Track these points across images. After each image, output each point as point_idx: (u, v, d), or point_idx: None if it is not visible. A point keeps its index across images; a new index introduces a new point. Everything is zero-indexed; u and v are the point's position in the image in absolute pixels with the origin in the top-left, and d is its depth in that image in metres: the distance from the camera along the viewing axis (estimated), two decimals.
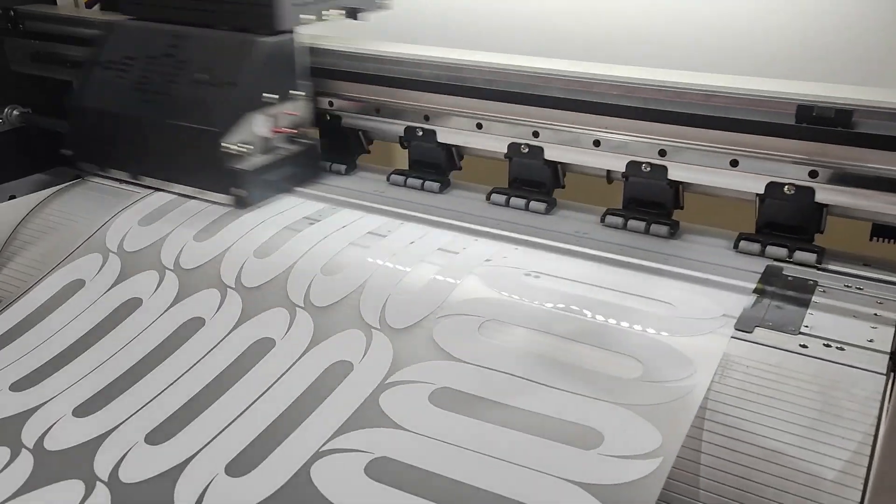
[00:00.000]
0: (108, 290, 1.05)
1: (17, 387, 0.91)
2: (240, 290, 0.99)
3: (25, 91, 1.44)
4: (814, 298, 0.86)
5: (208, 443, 0.80)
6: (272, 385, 0.86)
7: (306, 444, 0.78)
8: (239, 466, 0.76)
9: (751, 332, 0.80)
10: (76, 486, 0.75)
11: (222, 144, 1.11)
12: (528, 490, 0.70)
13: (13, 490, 0.75)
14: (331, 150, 1.28)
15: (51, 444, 0.81)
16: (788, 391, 0.74)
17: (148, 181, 1.22)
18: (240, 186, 1.13)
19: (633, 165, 1.03)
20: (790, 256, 0.94)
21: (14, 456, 0.80)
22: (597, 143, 1.04)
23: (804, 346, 0.77)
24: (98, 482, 0.76)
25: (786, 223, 0.95)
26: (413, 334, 0.88)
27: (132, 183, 1.23)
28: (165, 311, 1.00)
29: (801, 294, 0.87)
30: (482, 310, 0.89)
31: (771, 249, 0.95)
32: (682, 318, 0.84)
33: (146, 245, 1.10)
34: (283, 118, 1.19)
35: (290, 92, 1.19)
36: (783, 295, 0.86)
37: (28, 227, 1.20)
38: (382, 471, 0.74)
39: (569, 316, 0.86)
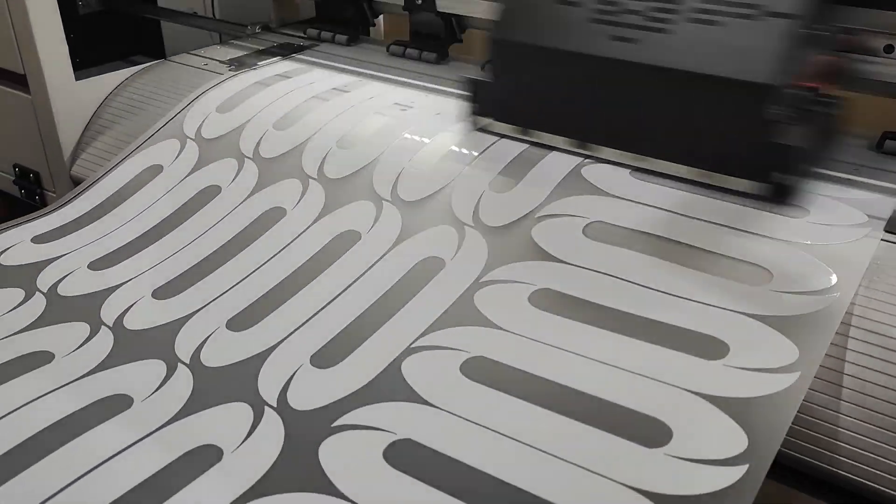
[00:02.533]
0: (187, 176, 1.01)
1: (95, 266, 0.88)
2: (322, 181, 0.93)
3: None
4: None
5: (292, 333, 0.75)
6: (358, 278, 0.80)
7: (396, 339, 0.72)
8: (325, 358, 0.71)
9: None
10: (158, 366, 0.72)
11: (768, 106, 0.73)
12: (641, 397, 0.62)
13: (94, 364, 0.72)
14: None
15: (131, 324, 0.78)
16: None
17: (606, 153, 0.85)
18: (787, 171, 0.75)
19: None
20: None
21: (94, 332, 0.77)
22: None
23: None
24: (180, 364, 0.72)
25: None
26: (510, 233, 0.81)
27: (581, 154, 0.87)
28: (245, 199, 0.95)
29: None
30: (588, 209, 0.81)
31: None
32: (818, 223, 0.74)
33: (224, 133, 1.04)
34: (822, 66, 0.81)
35: (834, 25, 0.81)
36: None
37: (110, 106, 1.16)
38: (481, 371, 0.68)
39: (684, 217, 0.77)
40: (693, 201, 0.79)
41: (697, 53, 0.76)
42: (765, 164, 0.75)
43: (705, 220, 0.77)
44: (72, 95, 1.13)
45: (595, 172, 0.85)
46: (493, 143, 0.92)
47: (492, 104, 0.91)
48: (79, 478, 0.59)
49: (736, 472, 0.55)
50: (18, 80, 1.12)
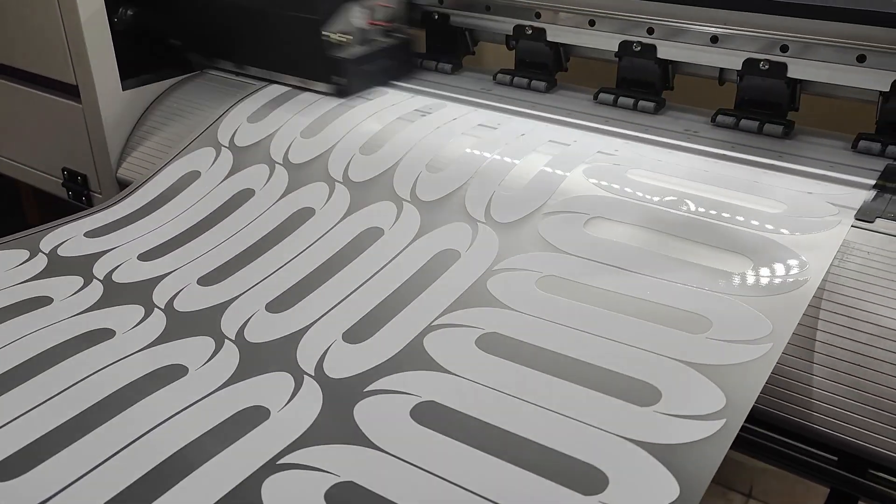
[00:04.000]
0: (222, 181, 1.10)
1: (143, 257, 0.98)
2: (348, 184, 1.03)
3: None
4: None
5: (325, 314, 0.84)
6: (383, 267, 0.90)
7: (419, 318, 0.81)
8: (355, 335, 0.81)
9: (872, 222, 0.79)
10: (207, 342, 0.81)
11: (323, 32, 1.14)
12: (635, 365, 0.71)
13: (151, 340, 0.81)
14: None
15: (180, 306, 0.87)
16: None
17: (253, 71, 1.27)
18: (340, 75, 1.16)
19: (750, 63, 1.01)
20: None
21: (148, 313, 0.86)
22: (714, 40, 1.02)
23: None
24: (227, 340, 0.81)
25: None
26: (519, 229, 0.90)
27: (240, 73, 1.28)
28: (277, 200, 1.04)
29: None
30: (589, 206, 0.90)
31: (892, 149, 0.92)
32: (796, 215, 0.83)
33: (255, 141, 1.14)
34: (379, 11, 1.22)
35: None
36: None
37: (153, 114, 1.26)
38: (492, 344, 0.76)
39: (677, 213, 0.86)
40: (682, 197, 0.88)
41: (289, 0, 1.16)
42: (329, 72, 1.17)
43: (692, 216, 0.85)
44: (119, 104, 1.23)
45: (596, 173, 0.94)
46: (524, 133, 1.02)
47: (189, 41, 1.33)
48: (148, 431, 0.69)
49: (715, 425, 0.64)
50: (70, 91, 1.22)
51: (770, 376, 0.69)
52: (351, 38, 1.16)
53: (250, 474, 0.64)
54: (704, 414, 0.65)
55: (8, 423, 0.70)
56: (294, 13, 1.16)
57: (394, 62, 1.24)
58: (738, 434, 0.78)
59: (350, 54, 1.17)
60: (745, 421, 0.65)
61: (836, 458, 0.75)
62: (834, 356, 0.72)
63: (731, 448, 0.79)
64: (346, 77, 1.16)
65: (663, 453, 0.62)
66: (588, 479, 0.61)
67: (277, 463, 0.65)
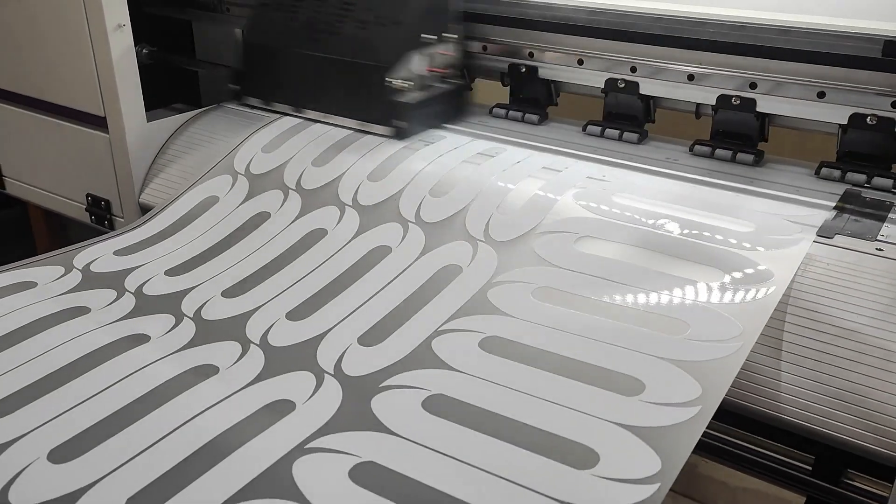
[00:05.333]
0: (239, 205, 1.19)
1: (170, 273, 1.06)
2: (357, 208, 1.12)
3: (154, 31, 1.58)
4: (890, 215, 0.94)
5: (340, 321, 0.93)
6: (392, 281, 0.98)
7: (426, 324, 0.90)
8: (370, 339, 0.89)
9: (831, 238, 0.89)
10: (234, 346, 0.89)
11: (386, 79, 1.20)
12: (621, 361, 0.80)
13: (183, 343, 0.90)
14: None
15: (207, 315, 0.95)
16: (863, 283, 0.83)
17: (311, 114, 1.31)
18: (401, 119, 1.22)
19: (723, 98, 1.11)
20: (868, 182, 1.01)
21: (178, 321, 0.94)
22: (691, 78, 1.13)
23: (880, 250, 0.86)
24: (252, 344, 0.89)
25: (866, 152, 1.03)
26: (516, 246, 0.99)
27: (296, 116, 1.32)
28: (292, 222, 1.13)
29: (878, 211, 0.95)
30: (579, 226, 0.99)
31: (851, 175, 1.03)
32: (765, 233, 0.93)
33: (269, 169, 1.23)
34: (438, 58, 1.27)
35: (444, 34, 1.27)
36: (861, 211, 0.94)
37: (174, 144, 1.36)
38: (495, 346, 0.85)
39: (658, 232, 0.96)
40: (662, 218, 0.97)
41: (354, 48, 1.25)
42: (390, 115, 1.22)
43: (672, 234, 0.95)
44: (143, 134, 1.32)
45: (585, 196, 1.04)
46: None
47: (248, 86, 1.41)
48: (187, 421, 0.77)
49: (692, 411, 0.73)
50: (98, 122, 1.32)
51: (744, 374, 0.78)
52: (412, 83, 1.22)
53: (282, 456, 0.72)
54: (683, 402, 0.74)
55: (59, 415, 0.78)
56: (358, 60, 1.24)
57: (448, 106, 1.31)
58: (718, 445, 0.88)
59: (410, 99, 1.22)
60: (725, 427, 0.73)
61: (810, 468, 0.84)
62: (799, 354, 0.81)
63: (712, 461, 0.88)
64: (406, 120, 1.22)
65: (647, 434, 0.71)
66: (581, 456, 0.70)
67: (306, 447, 0.73)
